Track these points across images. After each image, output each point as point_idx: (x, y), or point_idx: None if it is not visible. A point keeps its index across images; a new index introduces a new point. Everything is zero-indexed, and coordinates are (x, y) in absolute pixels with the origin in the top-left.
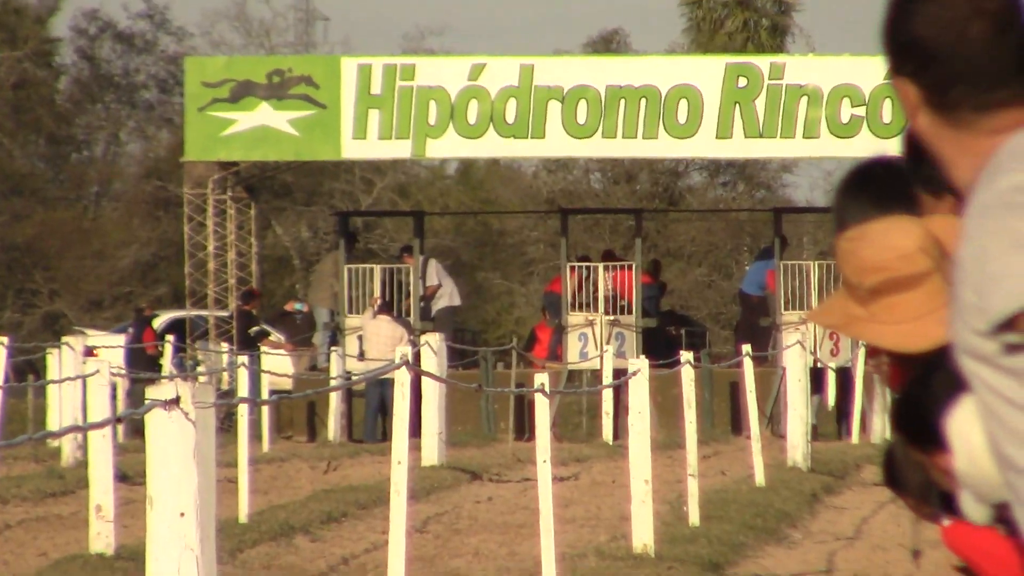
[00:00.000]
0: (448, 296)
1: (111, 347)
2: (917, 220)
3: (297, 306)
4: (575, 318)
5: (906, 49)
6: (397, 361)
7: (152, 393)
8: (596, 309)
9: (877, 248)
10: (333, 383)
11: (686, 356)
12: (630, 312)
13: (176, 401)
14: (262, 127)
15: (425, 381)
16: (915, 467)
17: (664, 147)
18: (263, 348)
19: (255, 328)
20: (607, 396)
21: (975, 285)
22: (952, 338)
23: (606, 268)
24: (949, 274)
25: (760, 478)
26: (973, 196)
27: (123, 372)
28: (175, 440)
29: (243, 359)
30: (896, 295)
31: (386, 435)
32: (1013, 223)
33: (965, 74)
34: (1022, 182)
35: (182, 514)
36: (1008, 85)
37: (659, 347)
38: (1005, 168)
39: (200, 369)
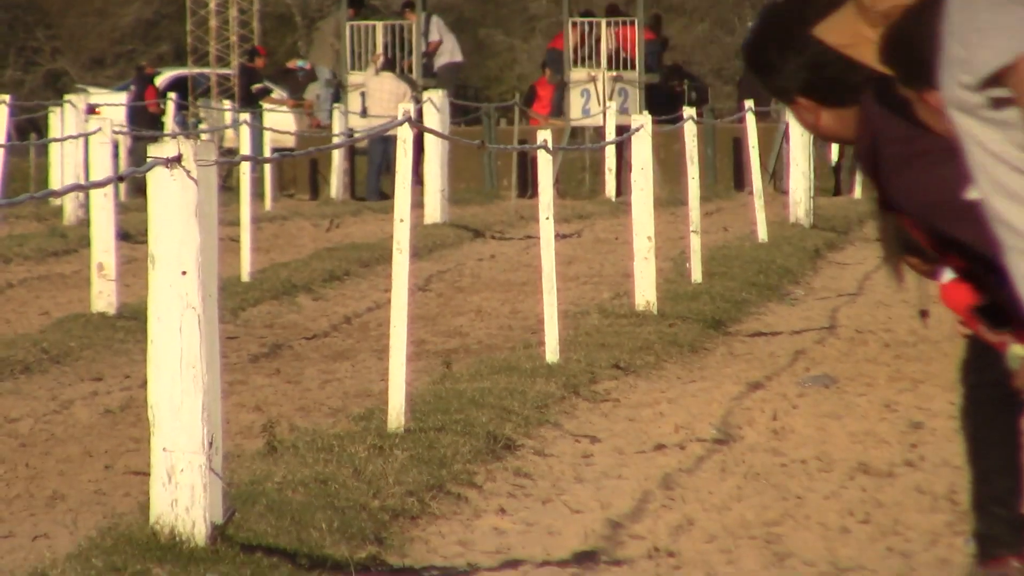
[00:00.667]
0: (450, 52)
1: (113, 105)
2: None
3: (299, 63)
4: (577, 74)
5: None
6: (400, 117)
7: (154, 151)
8: (599, 65)
9: None
10: (336, 140)
11: (688, 112)
12: (633, 68)
13: (178, 159)
14: None
15: (428, 138)
16: (899, 230)
17: None
18: (265, 105)
19: (258, 85)
20: (610, 153)
21: (962, 39)
22: (944, 93)
23: (608, 23)
24: None
25: (762, 234)
26: None
27: (125, 130)
28: (177, 198)
29: (245, 116)
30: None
31: (388, 194)
32: None
33: None
34: None
35: (184, 272)
36: None
37: (662, 103)
38: None
39: (202, 127)
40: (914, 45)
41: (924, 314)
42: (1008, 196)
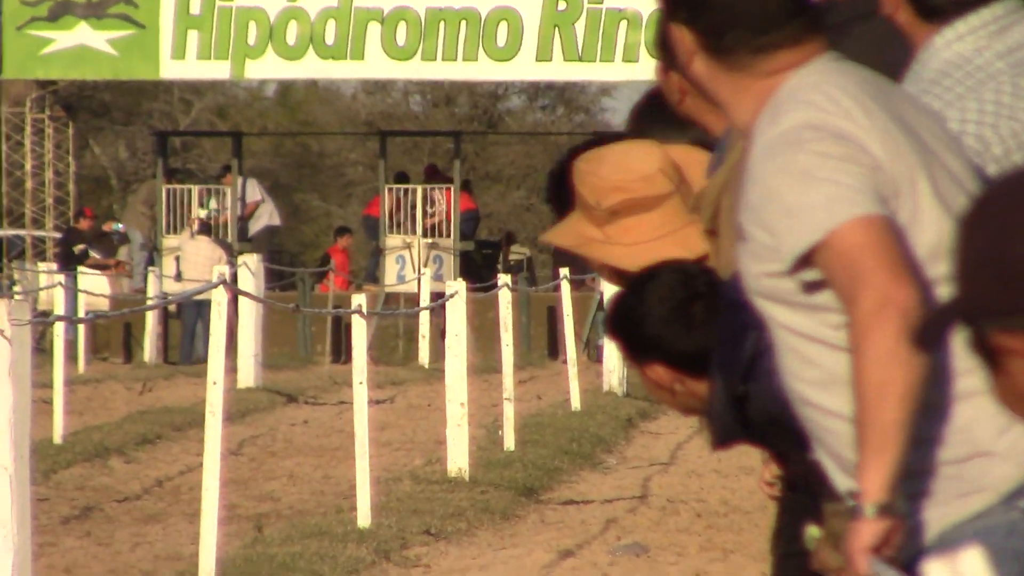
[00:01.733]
0: (268, 215)
1: None
2: (657, 144)
3: (115, 226)
4: (393, 240)
5: None
6: (215, 280)
7: None
8: (414, 232)
9: (617, 169)
10: (149, 303)
11: (503, 279)
12: (449, 235)
13: None
14: (80, 46)
15: (242, 303)
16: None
17: (484, 69)
18: (82, 269)
19: (81, 246)
20: (424, 319)
21: (766, 225)
22: (744, 281)
23: (426, 191)
24: (686, 198)
25: (576, 403)
26: (756, 138)
27: None
28: None
29: (60, 278)
30: (634, 216)
31: (202, 358)
32: (800, 158)
33: (739, 18)
34: (804, 119)
35: None
36: (782, 27)
37: (477, 272)
38: (786, 108)
39: (16, 288)
40: (636, 320)
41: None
42: (824, 380)
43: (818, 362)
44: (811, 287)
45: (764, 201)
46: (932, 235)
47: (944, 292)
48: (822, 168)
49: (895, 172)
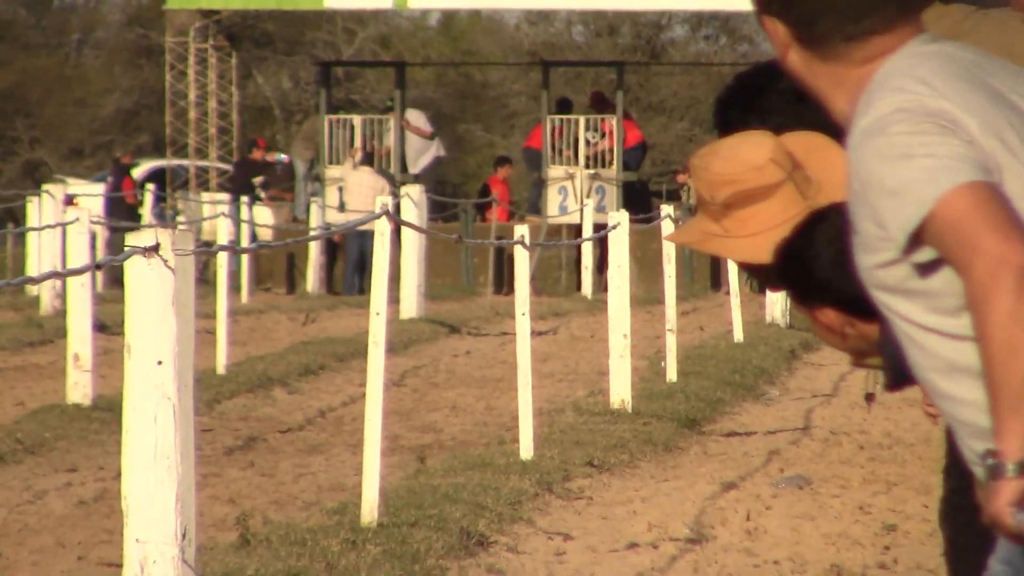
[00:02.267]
0: (435, 148)
1: (91, 196)
2: (769, 134)
3: (279, 157)
4: (555, 171)
5: None
6: (377, 211)
7: (132, 240)
8: (576, 162)
9: (728, 162)
10: (313, 234)
11: (666, 210)
12: (611, 165)
13: (155, 248)
14: None
15: (405, 234)
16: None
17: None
18: (262, 195)
19: (260, 178)
20: (587, 250)
21: (872, 215)
22: (861, 274)
23: (588, 120)
24: (802, 184)
25: (739, 334)
26: (853, 126)
27: (103, 221)
28: (154, 288)
29: (223, 208)
30: (748, 208)
31: (365, 289)
32: (895, 139)
33: (830, 6)
34: (896, 104)
35: (160, 362)
36: (873, 13)
37: (641, 203)
38: (878, 96)
39: (180, 219)
40: (805, 264)
41: (870, 398)
42: (945, 368)
43: (938, 352)
44: (924, 269)
45: (866, 188)
46: None
47: None
48: (919, 145)
49: (992, 147)
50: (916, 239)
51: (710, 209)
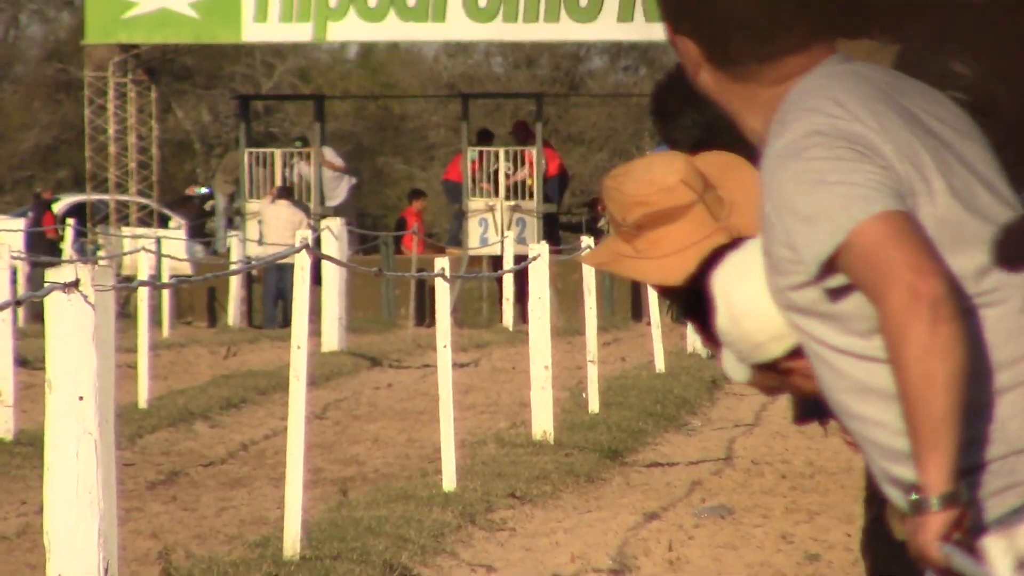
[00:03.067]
0: (347, 182)
1: (11, 231)
2: (681, 155)
3: (199, 190)
4: (475, 203)
5: (682, 7)
6: (297, 244)
7: (52, 276)
8: (496, 194)
9: (639, 183)
10: (233, 268)
11: (587, 241)
12: (531, 197)
13: (76, 284)
14: (162, 9)
15: (325, 266)
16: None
17: (565, 30)
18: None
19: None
20: (508, 282)
21: (785, 238)
22: (772, 296)
23: (507, 152)
24: (714, 205)
25: (660, 364)
26: (767, 148)
27: (23, 256)
28: (74, 323)
29: (143, 243)
30: (659, 229)
31: (286, 321)
32: (810, 164)
33: (742, 27)
34: (811, 127)
35: (81, 398)
36: (786, 34)
37: (558, 236)
38: (792, 117)
39: (100, 253)
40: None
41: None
42: (857, 389)
43: (850, 373)
44: (836, 294)
45: (779, 212)
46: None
47: (966, 284)
48: (834, 172)
49: (907, 172)
50: (828, 266)
51: (623, 230)
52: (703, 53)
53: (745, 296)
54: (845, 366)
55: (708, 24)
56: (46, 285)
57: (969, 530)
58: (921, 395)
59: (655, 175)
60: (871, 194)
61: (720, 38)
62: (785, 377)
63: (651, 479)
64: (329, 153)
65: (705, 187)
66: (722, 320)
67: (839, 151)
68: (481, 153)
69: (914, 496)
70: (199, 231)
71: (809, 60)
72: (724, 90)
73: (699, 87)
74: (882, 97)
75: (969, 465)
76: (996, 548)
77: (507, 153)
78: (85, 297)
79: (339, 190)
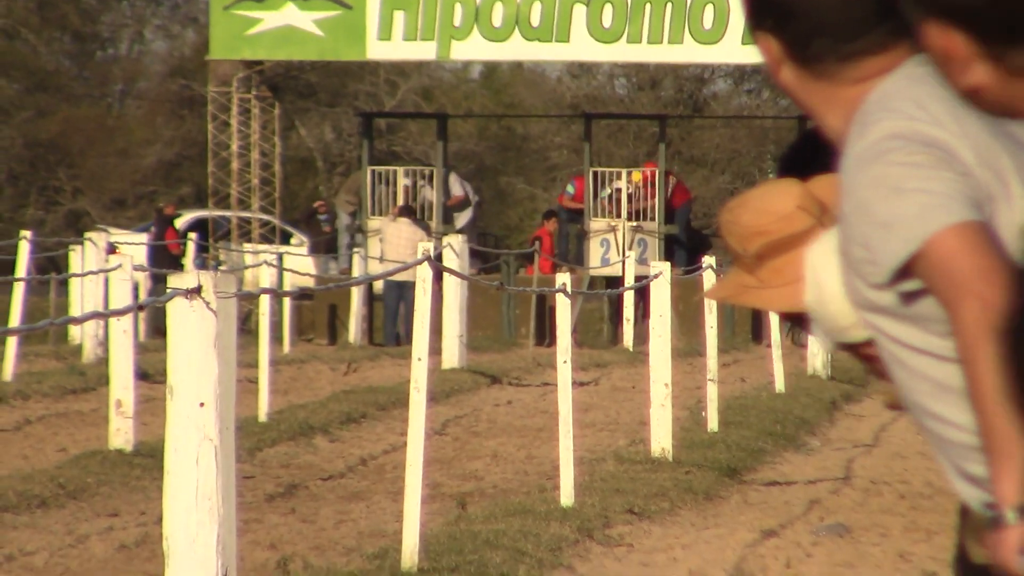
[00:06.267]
0: (471, 209)
1: (133, 244)
2: (796, 181)
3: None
4: (597, 224)
5: (764, 4)
6: (419, 258)
7: (174, 282)
8: (618, 215)
9: (756, 213)
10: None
11: (708, 261)
12: (653, 219)
13: (198, 290)
14: (287, 27)
15: (446, 284)
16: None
17: (689, 52)
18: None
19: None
20: (628, 302)
21: (862, 239)
22: (850, 295)
23: (628, 173)
24: (832, 228)
25: (780, 385)
26: (846, 149)
27: (145, 268)
28: (196, 329)
29: (265, 257)
30: (781, 257)
31: (405, 340)
32: (889, 170)
33: (825, 25)
34: (891, 129)
35: (202, 404)
36: (868, 34)
37: (682, 257)
38: (873, 118)
39: (222, 268)
40: None
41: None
42: (935, 389)
43: (928, 373)
44: (910, 298)
45: (857, 215)
46: None
47: None
48: (912, 178)
49: (986, 178)
50: (903, 272)
51: (744, 262)
52: (784, 50)
53: (834, 280)
54: (923, 366)
55: (790, 21)
56: (168, 291)
57: None
58: (993, 408)
59: (771, 204)
60: (948, 203)
61: (802, 37)
62: (866, 362)
63: (769, 497)
64: (453, 182)
65: (822, 211)
66: (810, 297)
67: (918, 156)
68: (599, 174)
69: (990, 513)
70: (322, 248)
71: (890, 61)
72: (804, 88)
73: (779, 84)
74: (961, 99)
75: None
76: None
77: (627, 173)
78: (207, 303)
79: (464, 213)
